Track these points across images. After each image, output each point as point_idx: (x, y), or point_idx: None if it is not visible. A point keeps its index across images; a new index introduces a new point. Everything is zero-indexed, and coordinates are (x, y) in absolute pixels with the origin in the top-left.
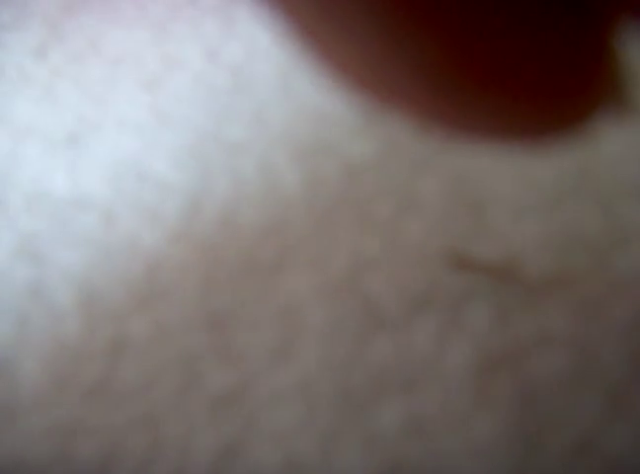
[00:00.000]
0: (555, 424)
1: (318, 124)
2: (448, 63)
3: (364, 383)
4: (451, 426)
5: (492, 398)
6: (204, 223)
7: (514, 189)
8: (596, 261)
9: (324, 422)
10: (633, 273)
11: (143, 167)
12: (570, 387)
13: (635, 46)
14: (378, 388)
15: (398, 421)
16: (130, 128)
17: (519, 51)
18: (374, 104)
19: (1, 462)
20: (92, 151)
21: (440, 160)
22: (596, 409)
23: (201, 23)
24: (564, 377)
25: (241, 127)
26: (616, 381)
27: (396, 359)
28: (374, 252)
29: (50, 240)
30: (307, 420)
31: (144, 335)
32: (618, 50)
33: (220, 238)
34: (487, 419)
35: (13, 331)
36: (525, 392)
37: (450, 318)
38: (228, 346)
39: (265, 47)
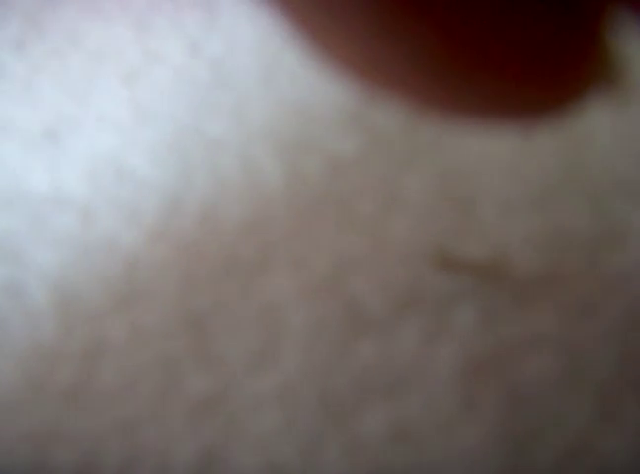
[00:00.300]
0: (544, 428)
1: (300, 119)
2: (441, 48)
3: (347, 387)
4: (437, 431)
5: (479, 402)
6: (184, 221)
7: (501, 184)
8: (585, 259)
9: (306, 427)
10: (624, 271)
11: (122, 164)
12: (559, 390)
13: (626, 32)
14: (362, 392)
15: (382, 426)
16: (110, 124)
17: (510, 36)
18: (369, 90)
19: None
20: (70, 148)
21: (425, 155)
22: (585, 412)
23: (183, 16)
24: (553, 380)
25: (222, 122)
26: (606, 384)
27: (380, 362)
28: (358, 251)
29: (27, 238)
30: (289, 425)
31: (122, 337)
32: (609, 36)
33: (200, 236)
34: (473, 424)
35: None
36: (513, 395)
37: (436, 319)
38: (208, 348)
39: (247, 41)
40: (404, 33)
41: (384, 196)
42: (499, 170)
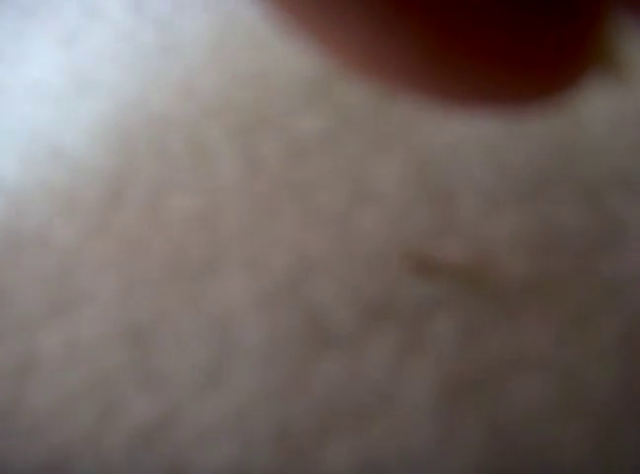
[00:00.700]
0: (534, 463)
1: (258, 92)
2: (434, 36)
3: (308, 415)
4: (409, 466)
5: (457, 432)
6: (126, 212)
7: (485, 174)
8: (579, 262)
9: (260, 463)
10: (622, 277)
11: (58, 143)
12: (551, 417)
13: (623, 21)
14: (324, 421)
15: (347, 463)
16: (43, 94)
17: (505, 23)
18: (366, 78)
19: None
20: None
21: (400, 139)
22: (582, 442)
23: None
24: (544, 405)
25: (169, 95)
26: (605, 408)
27: (346, 385)
28: (322, 251)
29: None
30: (241, 461)
31: (55, 351)
32: (606, 22)
33: (144, 231)
34: (453, 458)
35: None
36: (497, 425)
37: (410, 333)
38: (150, 366)
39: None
40: (395, 19)
41: (353, 186)
42: (483, 158)
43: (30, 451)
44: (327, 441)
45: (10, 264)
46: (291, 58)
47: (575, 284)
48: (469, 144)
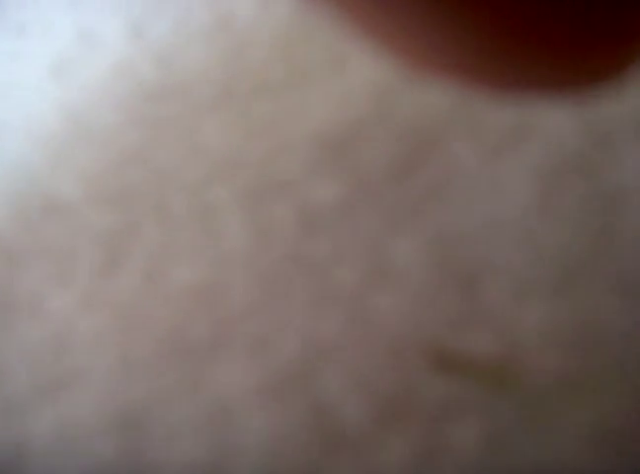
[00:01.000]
0: None
1: (271, 150)
2: (491, 25)
3: None
4: None
5: None
6: (124, 281)
7: (514, 255)
8: (618, 361)
9: None
10: None
11: (53, 193)
12: None
13: None
14: None
15: None
16: (37, 133)
17: (560, 10)
18: (417, 70)
19: None
20: None
21: (422, 211)
22: None
23: None
24: None
25: (173, 147)
26: None
27: None
28: (333, 337)
29: None
30: None
31: (46, 437)
32: None
33: (142, 304)
34: None
35: None
36: None
37: (429, 438)
38: (142, 459)
39: (201, 28)
40: (451, 11)
41: (369, 263)
42: (511, 236)
43: None
44: None
45: (1, 333)
46: (309, 108)
47: (612, 386)
48: (496, 217)
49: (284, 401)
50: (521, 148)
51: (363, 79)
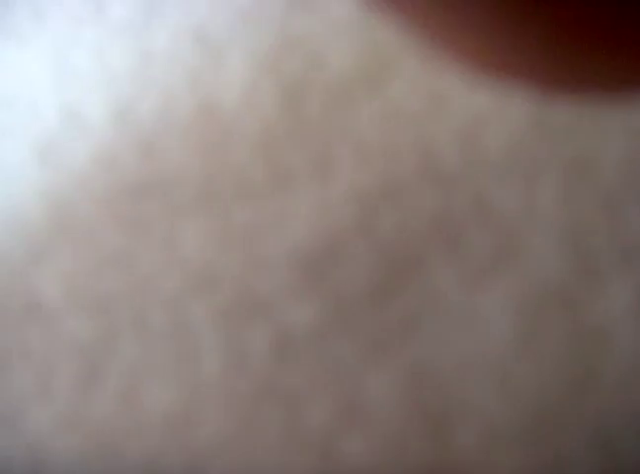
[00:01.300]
0: None
1: (249, 266)
2: (567, 31)
3: None
4: None
5: None
6: (100, 402)
7: (490, 398)
8: None
9: None
10: None
11: (34, 292)
12: None
13: None
14: None
15: None
16: (17, 226)
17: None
18: (490, 77)
19: None
20: None
21: (398, 342)
22: None
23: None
24: None
25: (154, 255)
26: None
27: None
28: None
29: None
30: None
31: None
32: None
33: (117, 430)
34: None
35: None
36: None
37: None
38: None
39: (184, 116)
40: (526, 16)
41: (340, 399)
42: (487, 376)
43: None
44: None
45: None
46: (289, 218)
47: None
48: (476, 360)
49: None
50: (503, 277)
51: (347, 185)
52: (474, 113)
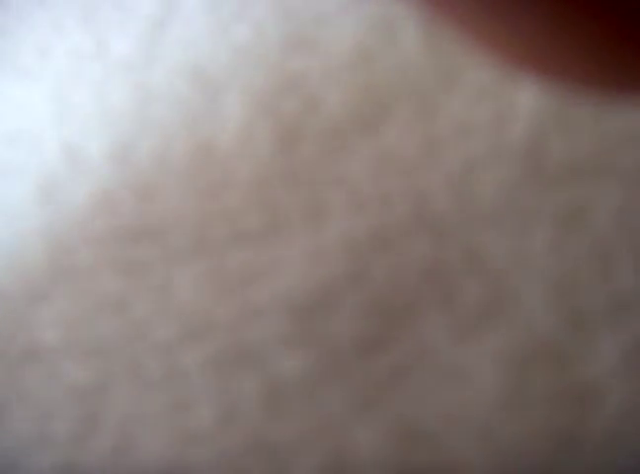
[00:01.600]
0: None
1: (239, 321)
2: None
3: None
4: None
5: None
6: (95, 451)
7: (475, 457)
8: None
9: None
10: None
11: (34, 341)
12: None
13: None
14: None
15: None
16: (13, 258)
17: None
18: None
19: None
20: None
21: (386, 396)
22: None
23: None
24: None
25: (147, 301)
26: None
27: None
28: None
29: None
30: None
31: None
32: None
33: None
34: None
35: None
36: None
37: None
38: None
39: (181, 158)
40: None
41: (329, 452)
42: (473, 435)
43: None
44: None
45: None
46: (282, 265)
47: None
48: (462, 417)
49: None
50: (492, 329)
51: (339, 232)
52: (467, 157)
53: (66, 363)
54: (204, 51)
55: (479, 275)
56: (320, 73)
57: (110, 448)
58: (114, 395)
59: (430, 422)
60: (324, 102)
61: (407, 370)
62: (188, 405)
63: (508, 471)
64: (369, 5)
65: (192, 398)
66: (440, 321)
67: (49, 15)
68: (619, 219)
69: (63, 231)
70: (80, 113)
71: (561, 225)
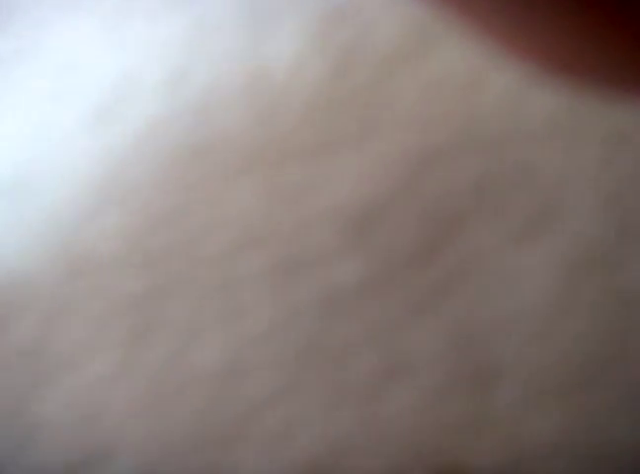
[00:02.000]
0: None
1: (294, 232)
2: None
3: None
4: None
5: None
6: (150, 358)
7: (531, 355)
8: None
9: None
10: None
11: (84, 251)
12: None
13: None
14: None
15: None
16: (66, 180)
17: None
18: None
19: None
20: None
21: (442, 300)
22: None
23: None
24: None
25: (201, 214)
26: None
27: None
28: (343, 436)
29: None
30: None
31: None
32: None
33: (168, 382)
34: None
35: None
36: None
37: None
38: None
39: (236, 85)
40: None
41: (384, 356)
42: (528, 334)
43: None
44: None
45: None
46: (337, 179)
47: None
48: (516, 318)
49: None
50: (544, 238)
51: (392, 148)
52: (514, 85)
53: (119, 275)
54: None
55: (530, 187)
56: (371, 2)
57: (165, 354)
58: (166, 307)
59: (484, 322)
60: (375, 30)
61: (461, 276)
62: (243, 312)
63: (558, 371)
64: None
65: (246, 306)
66: (493, 229)
67: None
68: None
69: (119, 151)
70: (136, 43)
71: (609, 143)
